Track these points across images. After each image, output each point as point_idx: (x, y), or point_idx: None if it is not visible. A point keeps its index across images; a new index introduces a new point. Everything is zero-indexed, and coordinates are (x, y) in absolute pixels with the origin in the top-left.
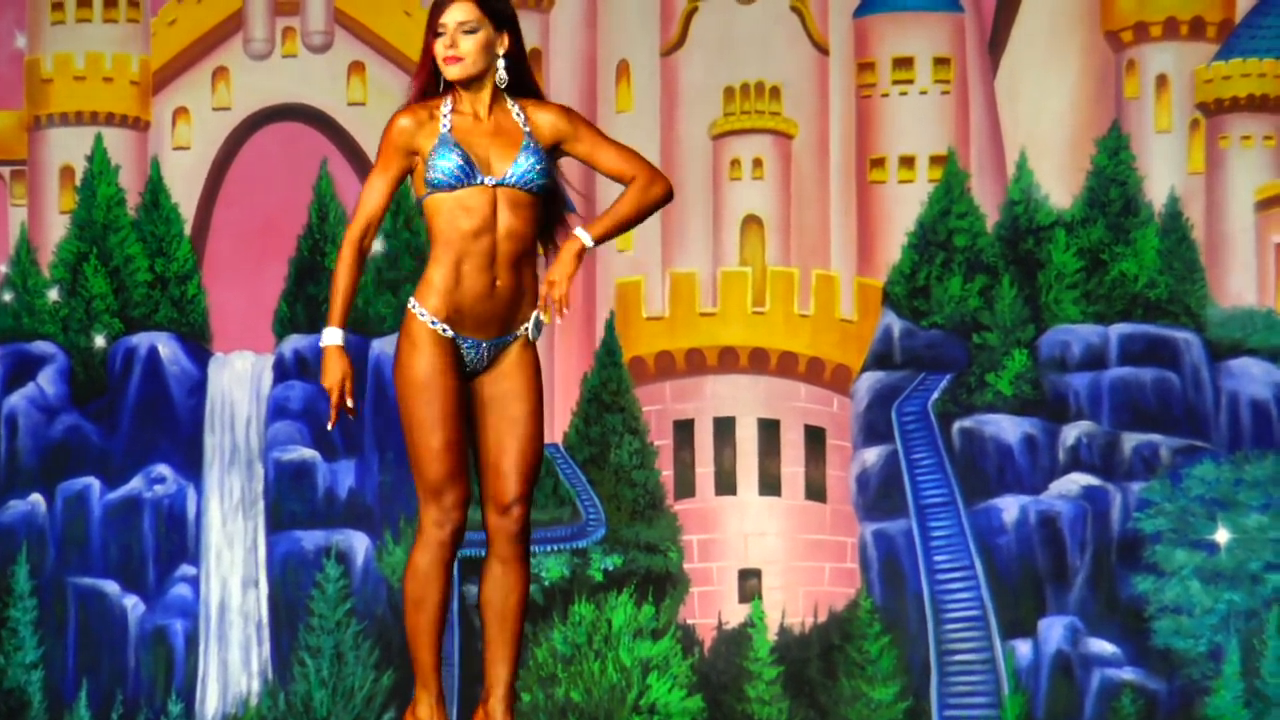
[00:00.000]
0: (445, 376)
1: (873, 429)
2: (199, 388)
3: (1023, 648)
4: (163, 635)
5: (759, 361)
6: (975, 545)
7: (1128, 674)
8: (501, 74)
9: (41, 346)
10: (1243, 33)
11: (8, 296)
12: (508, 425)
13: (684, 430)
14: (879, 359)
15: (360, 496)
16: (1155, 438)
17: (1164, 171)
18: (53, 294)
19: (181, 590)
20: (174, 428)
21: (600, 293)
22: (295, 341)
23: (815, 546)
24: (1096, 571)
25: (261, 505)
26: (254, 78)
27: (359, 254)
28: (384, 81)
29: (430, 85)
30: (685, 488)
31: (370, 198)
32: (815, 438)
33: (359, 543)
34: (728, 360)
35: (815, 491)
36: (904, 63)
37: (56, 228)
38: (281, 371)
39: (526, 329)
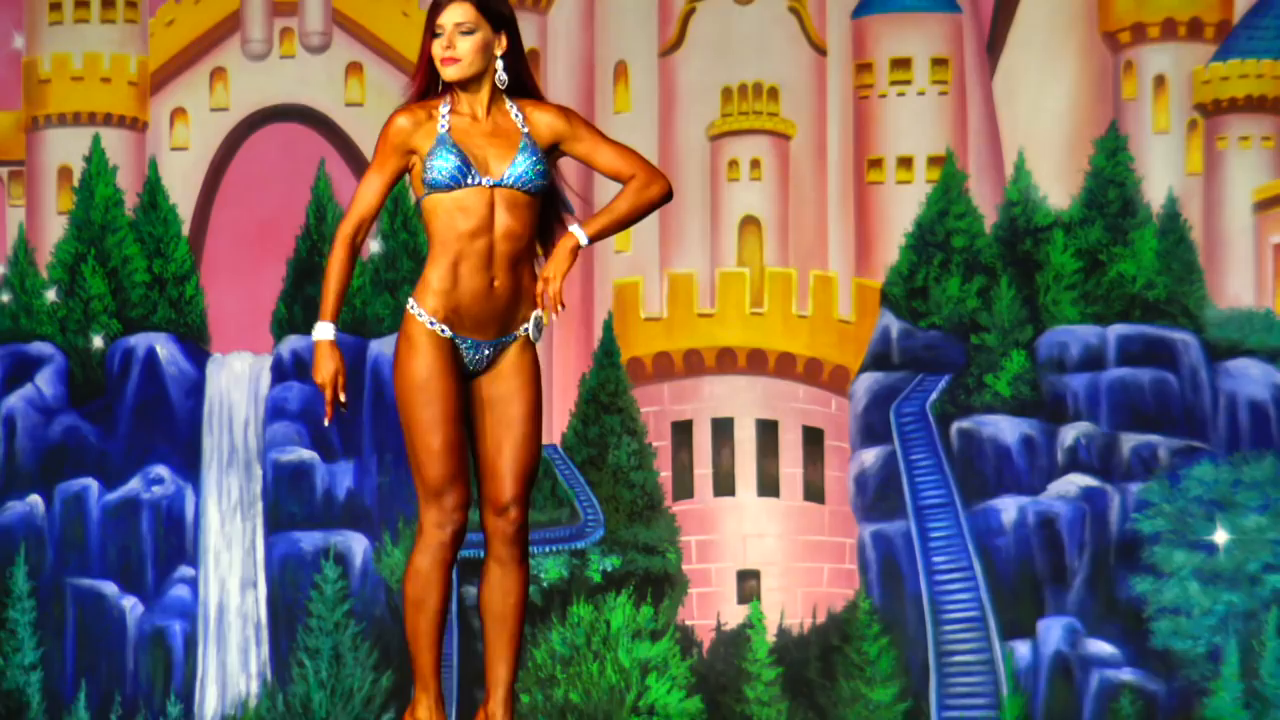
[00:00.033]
0: (444, 377)
1: (871, 430)
2: (197, 388)
3: (1022, 649)
4: (161, 636)
5: (757, 362)
6: (974, 546)
7: (1126, 675)
8: (501, 75)
9: (39, 347)
10: (1240, 34)
11: (6, 297)
12: (505, 426)
13: (682, 431)
14: (877, 360)
15: (359, 498)
16: (1154, 438)
17: (1162, 172)
18: (51, 295)
19: (180, 591)
20: (172, 429)
21: (598, 294)
22: (293, 342)
23: (814, 547)
24: (1095, 572)
25: (260, 506)
26: (252, 78)
27: (351, 250)
28: (382, 82)
29: (429, 86)
30: (684, 489)
31: (365, 195)
32: (814, 439)
33: (357, 544)
34: (726, 361)
35: (814, 492)
36: (902, 63)
37: (54, 228)
38: (280, 372)
39: (526, 329)
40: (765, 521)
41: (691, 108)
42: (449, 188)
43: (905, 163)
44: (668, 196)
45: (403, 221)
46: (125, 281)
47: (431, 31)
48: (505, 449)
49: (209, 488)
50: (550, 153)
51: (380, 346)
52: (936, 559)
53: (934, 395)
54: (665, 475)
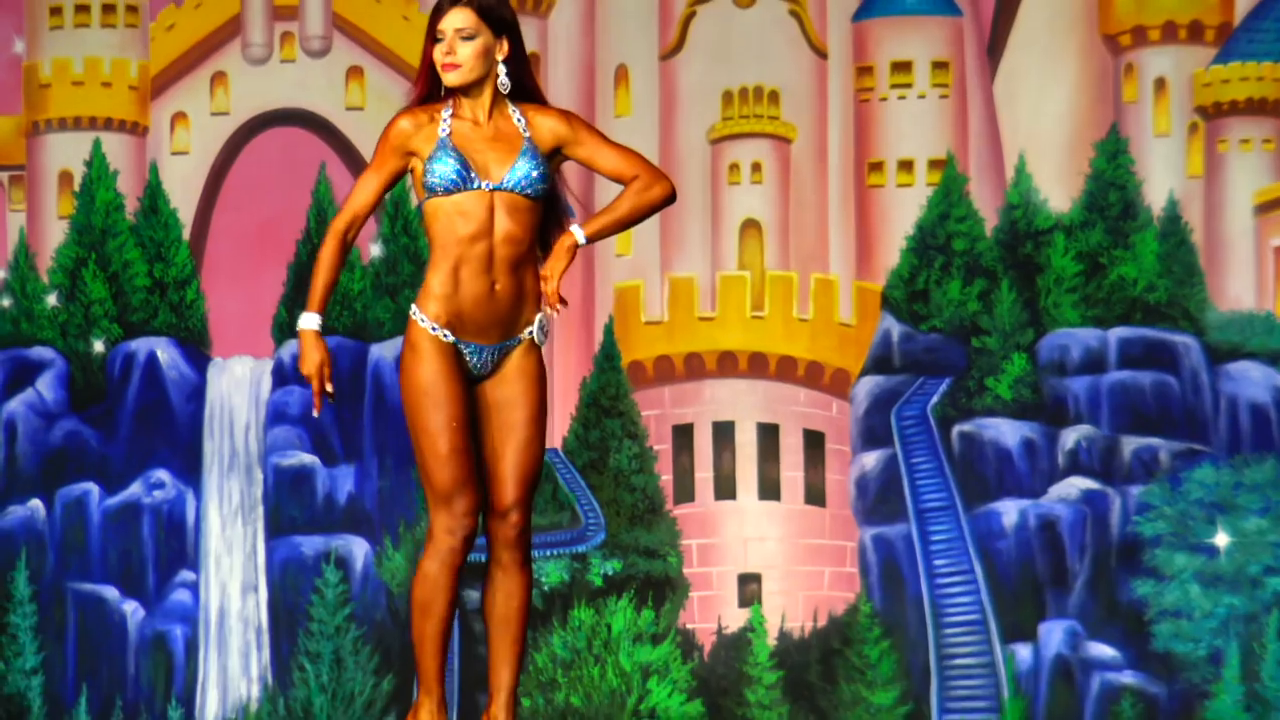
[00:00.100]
0: (449, 382)
1: (872, 433)
2: (198, 393)
3: (1023, 652)
4: (162, 641)
5: (758, 366)
6: (975, 549)
7: (1128, 678)
8: (503, 79)
9: (40, 352)
10: (1241, 36)
11: (6, 302)
12: (508, 430)
13: (683, 435)
14: (878, 363)
15: (359, 502)
16: (1154, 441)
17: (1163, 175)
18: (51, 299)
19: (181, 596)
20: (173, 433)
21: (599, 297)
22: (294, 346)
23: (815, 551)
24: (1096, 575)
25: (261, 510)
26: (252, 83)
27: (342, 245)
28: (382, 86)
29: (431, 91)
30: (684, 492)
31: (360, 193)
32: (814, 442)
33: (358, 548)
34: (727, 365)
35: (815, 496)
36: (902, 67)
37: (55, 233)
38: (280, 376)
39: (530, 332)
40: (766, 525)
41: (692, 111)
42: (448, 191)
43: (906, 166)
44: (670, 198)
45: (403, 225)
46: (126, 286)
47: (432, 37)
48: (508, 453)
49: (210, 492)
50: (552, 157)
51: (380, 350)
52: (937, 562)
53: (935, 398)
54: (666, 479)
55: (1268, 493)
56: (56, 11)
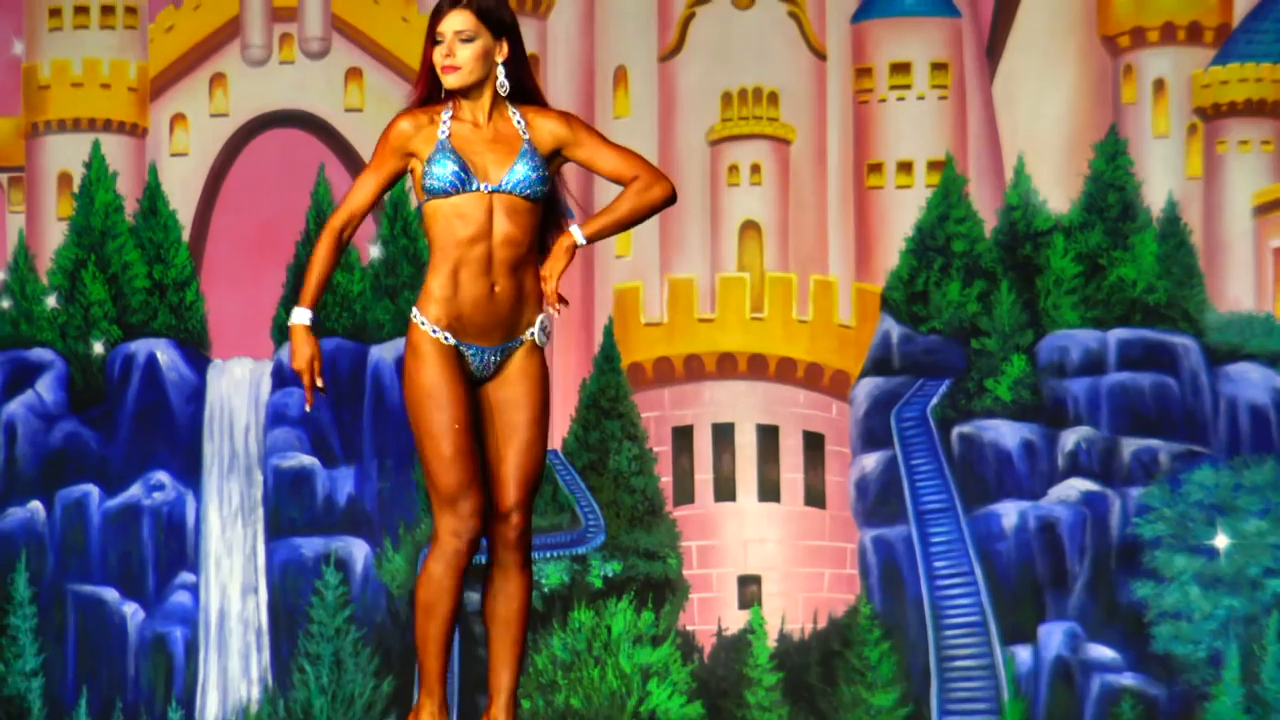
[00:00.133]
0: (451, 384)
1: (872, 435)
2: (198, 394)
3: (1023, 653)
4: (162, 642)
5: (757, 367)
6: (975, 551)
7: (1128, 680)
8: (502, 81)
9: (40, 353)
10: (1240, 37)
11: (6, 303)
12: (509, 432)
13: (683, 436)
14: (878, 364)
15: (359, 503)
16: (1154, 443)
17: (1162, 176)
18: (51, 301)
19: (181, 597)
20: (173, 435)
21: (599, 298)
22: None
23: (815, 552)
24: (1096, 577)
25: (260, 512)
26: (252, 84)
27: (337, 242)
28: (381, 88)
29: (432, 93)
30: (684, 494)
31: (358, 192)
32: (814, 443)
33: (358, 550)
34: (726, 366)
35: (814, 497)
36: (901, 68)
37: (54, 234)
38: (280, 378)
39: (532, 333)
40: (766, 526)
41: (691, 113)
42: (447, 194)
43: (905, 167)
44: (670, 199)
45: (402, 227)
46: (125, 287)
47: (432, 39)
48: (509, 454)
49: (210, 494)
50: (552, 159)
51: (380, 352)
52: (937, 564)
53: (935, 400)
54: (666, 480)
55: (1267, 494)
56: (56, 13)
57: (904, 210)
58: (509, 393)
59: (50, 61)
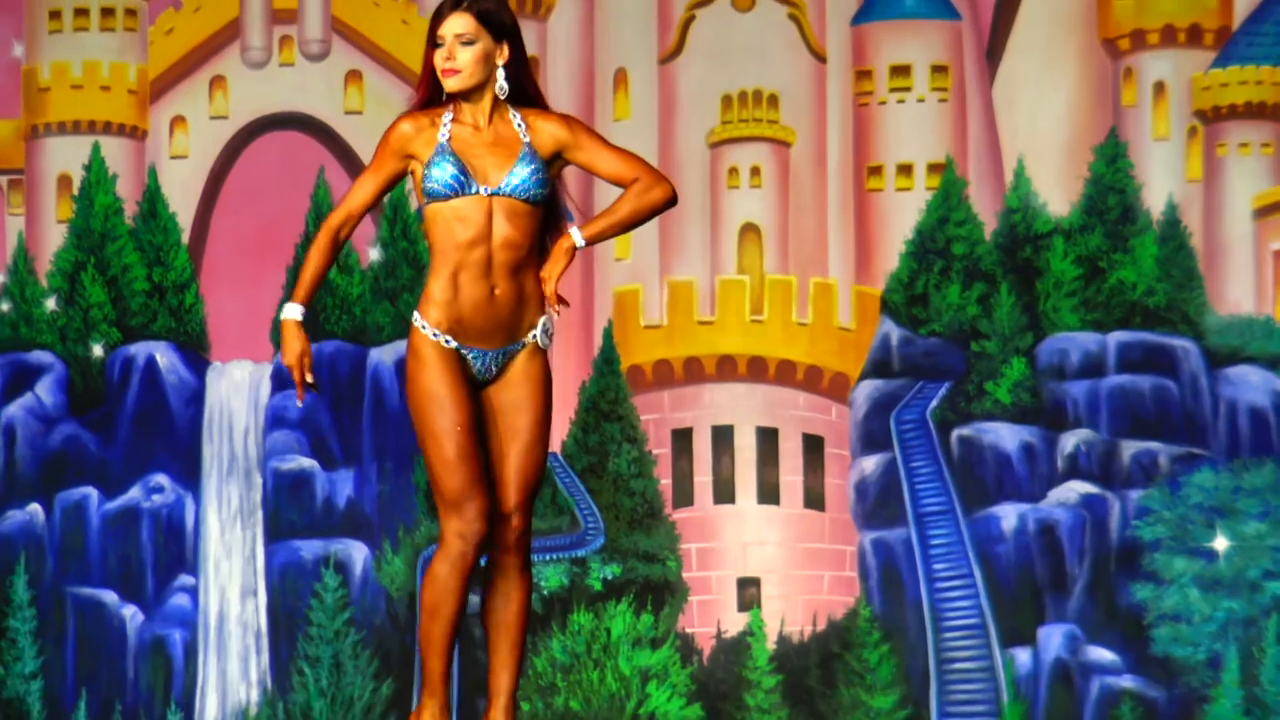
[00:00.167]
0: (454, 387)
1: (871, 437)
2: (197, 397)
3: (1022, 656)
4: (161, 645)
5: (757, 370)
6: (974, 553)
7: (1127, 682)
8: (502, 84)
9: (39, 356)
10: (1240, 40)
11: (5, 306)
12: (510, 435)
13: (682, 439)
14: (877, 367)
15: (359, 506)
16: (1154, 445)
17: (1162, 179)
18: (50, 303)
19: (180, 600)
20: (172, 437)
21: (598, 301)
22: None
23: (814, 555)
24: (1095, 579)
25: (260, 515)
26: (251, 86)
27: (333, 240)
28: (381, 90)
29: (433, 96)
30: (684, 496)
31: (357, 193)
32: (814, 446)
33: (357, 552)
34: (726, 369)
35: (814, 500)
36: (901, 70)
37: (54, 237)
38: (280, 381)
39: (534, 335)
40: (765, 529)
41: (691, 115)
42: (446, 197)
43: (905, 170)
44: (671, 201)
45: (402, 229)
46: (125, 290)
47: (433, 42)
48: (510, 457)
49: (209, 496)
50: (553, 161)
51: (380, 355)
52: (937, 566)
53: (934, 402)
54: (665, 483)
55: (1267, 497)
56: (55, 15)
57: (904, 213)
58: (511, 395)
59: (50, 64)
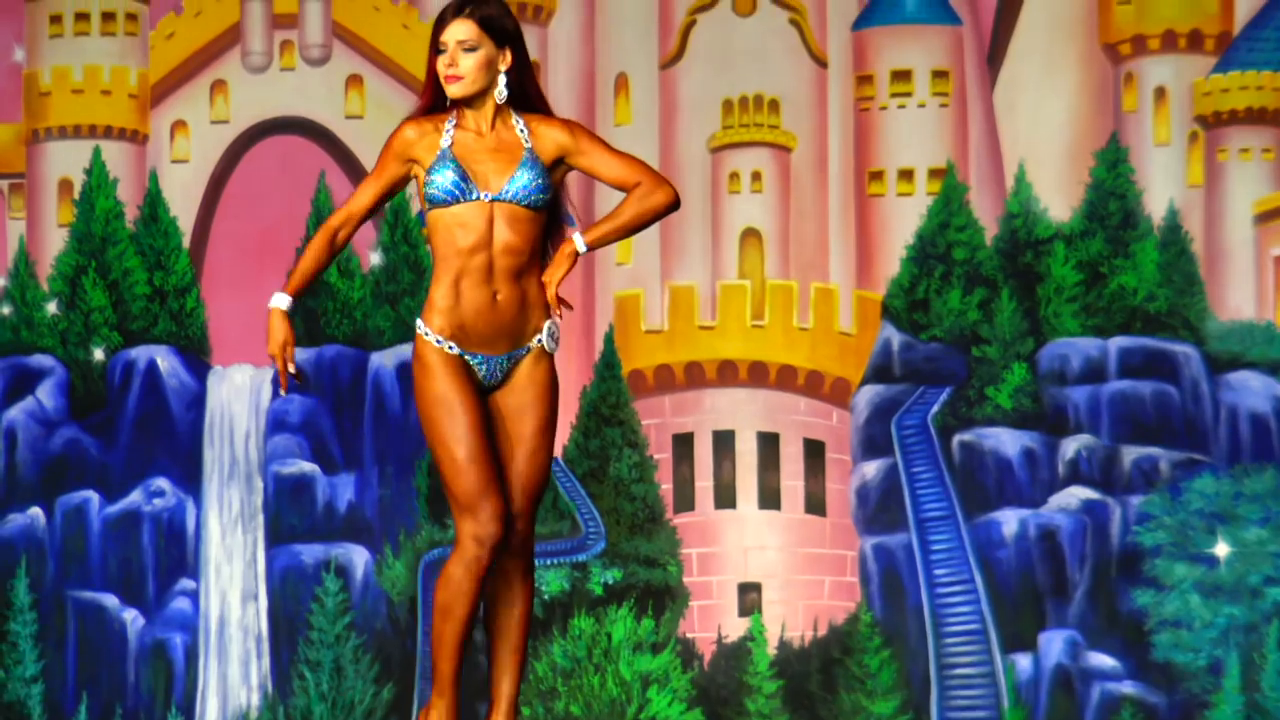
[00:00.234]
0: (460, 392)
1: (872, 442)
2: (198, 401)
3: (1023, 661)
4: (162, 649)
5: (758, 375)
6: (975, 559)
7: (1128, 688)
8: (501, 90)
9: (40, 360)
10: (1241, 45)
11: (6, 310)
12: (514, 440)
13: (683, 444)
14: (878, 372)
15: (360, 510)
16: (1155, 451)
17: (1163, 184)
18: (51, 307)
19: (181, 604)
20: (173, 441)
21: (599, 306)
22: (294, 354)
23: (815, 560)
24: (1096, 585)
25: (261, 519)
26: (252, 91)
27: (330, 240)
28: (382, 94)
29: (437, 101)
30: (685, 501)
31: (359, 196)
32: (815, 451)
33: (358, 556)
34: (727, 373)
35: (815, 505)
36: (902, 75)
37: (55, 241)
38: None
39: (540, 340)
40: (766, 534)
41: (692, 120)
42: (447, 203)
43: (906, 175)
44: (674, 205)
45: (403, 234)
46: (126, 294)
47: (436, 48)
48: (513, 463)
49: (210, 500)
50: (555, 167)
51: (381, 359)
52: (938, 571)
53: (935, 408)
54: (666, 488)
55: (1268, 503)
56: (56, 20)
57: (905, 218)
58: (516, 401)
59: (51, 68)
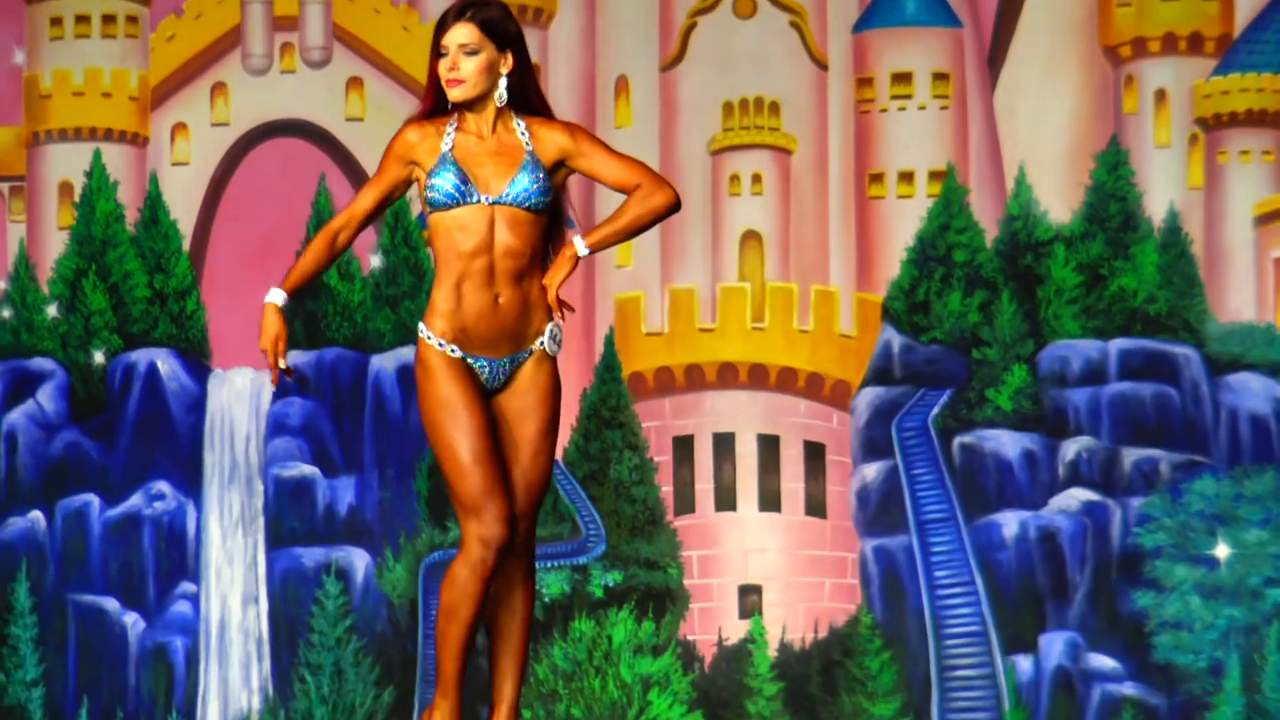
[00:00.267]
0: (464, 394)
1: (873, 444)
2: (198, 404)
3: (1023, 663)
4: (163, 652)
5: (758, 377)
6: (975, 561)
7: (1128, 689)
8: (500, 93)
9: (40, 363)
10: (1241, 48)
11: (7, 313)
12: (517, 443)
13: (684, 446)
14: (878, 374)
15: (360, 513)
16: (1155, 453)
17: (1163, 186)
18: (51, 310)
19: (181, 607)
20: (173, 444)
21: (599, 308)
22: (295, 357)
23: (815, 562)
24: (1097, 587)
25: (261, 522)
26: (253, 93)
27: (330, 240)
28: (382, 97)
29: (439, 105)
30: (685, 504)
31: (361, 199)
32: (815, 453)
33: (359, 559)
34: (727, 376)
35: (815, 507)
36: (903, 78)
37: (55, 244)
38: (281, 387)
39: (542, 343)
40: (767, 536)
41: (692, 122)
42: (448, 206)
43: (906, 177)
44: (674, 207)
45: (403, 236)
46: (126, 297)
47: (437, 51)
48: (516, 465)
49: (210, 503)
50: (556, 169)
51: (381, 361)
52: (938, 573)
53: (935, 410)
54: (666, 490)
55: (1268, 504)
56: (57, 22)
57: (905, 220)
58: (518, 404)
59: (51, 71)
